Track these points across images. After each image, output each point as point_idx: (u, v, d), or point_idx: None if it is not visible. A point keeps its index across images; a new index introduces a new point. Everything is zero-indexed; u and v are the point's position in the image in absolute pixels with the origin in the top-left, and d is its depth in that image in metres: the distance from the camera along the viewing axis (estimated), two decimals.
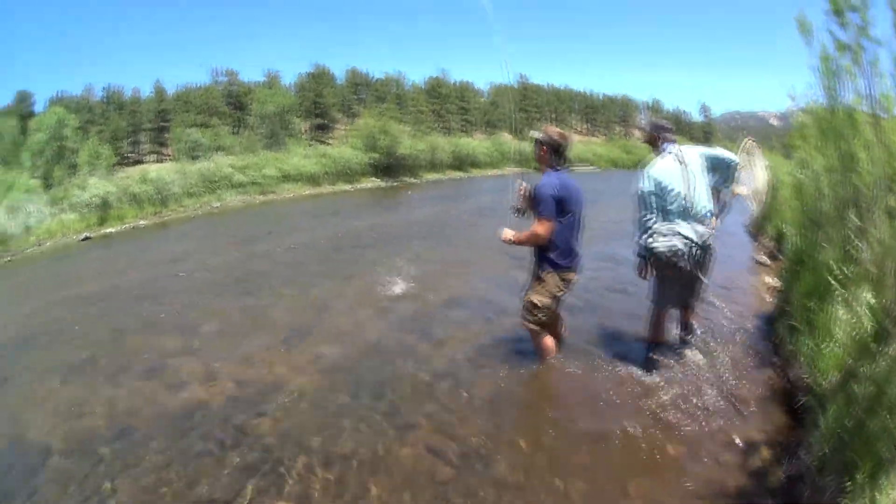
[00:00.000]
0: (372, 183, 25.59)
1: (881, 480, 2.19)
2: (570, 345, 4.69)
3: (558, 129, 4.12)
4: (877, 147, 3.51)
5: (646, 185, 4.03)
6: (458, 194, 21.79)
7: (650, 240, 4.02)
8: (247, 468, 3.34)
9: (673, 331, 4.70)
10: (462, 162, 33.58)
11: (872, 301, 3.14)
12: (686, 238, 3.92)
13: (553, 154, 4.01)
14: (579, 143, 52.08)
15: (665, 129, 4.30)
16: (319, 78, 59.90)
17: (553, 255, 4.00)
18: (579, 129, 79.08)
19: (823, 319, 3.56)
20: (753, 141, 4.54)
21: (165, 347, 5.40)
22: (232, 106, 56.99)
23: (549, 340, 4.34)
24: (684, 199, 3.95)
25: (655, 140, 4.28)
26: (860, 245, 3.71)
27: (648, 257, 4.12)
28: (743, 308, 5.69)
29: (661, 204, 4.00)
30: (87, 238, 13.73)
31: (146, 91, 54.14)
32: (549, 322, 4.30)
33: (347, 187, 24.12)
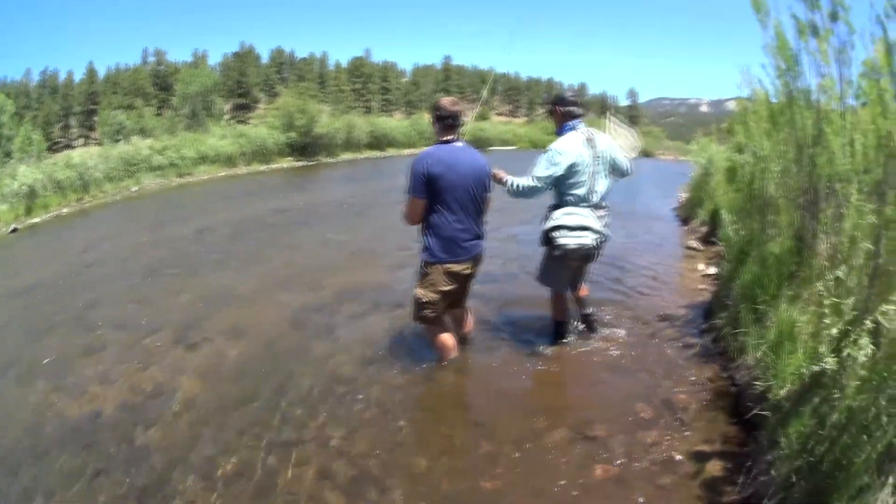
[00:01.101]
0: (287, 163, 25.09)
1: None
2: (475, 335, 4.43)
3: (451, 98, 3.74)
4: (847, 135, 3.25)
5: (548, 164, 3.79)
6: (372, 174, 21.36)
7: (556, 234, 3.77)
8: (134, 490, 2.95)
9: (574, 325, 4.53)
10: (379, 141, 33.45)
11: (838, 299, 2.85)
12: (595, 232, 3.77)
13: (439, 125, 3.63)
14: (500, 125, 52.81)
15: (569, 103, 3.97)
16: (244, 57, 61.07)
17: (432, 244, 3.62)
18: (501, 110, 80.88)
19: (778, 318, 3.25)
20: (614, 116, 4.28)
21: (69, 349, 4.93)
22: (158, 87, 56.53)
23: (445, 338, 3.95)
24: (588, 185, 3.84)
25: (558, 115, 3.98)
26: (820, 236, 3.46)
27: (553, 249, 3.83)
28: (676, 298, 5.46)
29: (562, 187, 3.85)
30: (14, 230, 12.85)
31: (79, 74, 53.00)
32: (440, 319, 3.92)
33: (263, 167, 23.64)
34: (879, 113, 2.64)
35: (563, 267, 4.01)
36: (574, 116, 3.92)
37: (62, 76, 52.31)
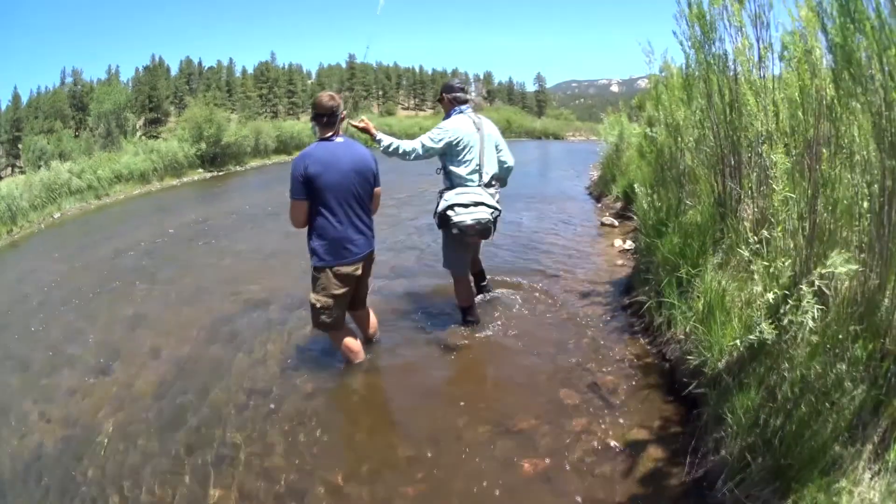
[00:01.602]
0: (198, 175, 23.91)
1: (836, 483, 1.72)
2: (386, 333, 4.28)
3: (328, 93, 3.53)
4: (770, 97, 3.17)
5: (436, 135, 3.92)
6: (279, 178, 20.49)
7: (451, 213, 3.82)
8: None
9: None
10: (286, 145, 32.75)
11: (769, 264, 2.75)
12: (490, 207, 3.87)
13: (317, 122, 3.49)
14: (406, 119, 53.09)
15: (455, 90, 4.15)
16: (154, 71, 59.35)
17: (318, 248, 3.45)
18: (407, 104, 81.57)
19: (706, 287, 3.12)
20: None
21: (7, 385, 4.62)
22: (75, 107, 53.81)
23: (349, 342, 3.78)
24: (477, 163, 3.95)
25: (445, 102, 4.17)
26: (745, 201, 3.38)
27: (450, 228, 3.86)
28: (593, 276, 5.35)
29: (452, 164, 3.96)
30: None
31: (5, 100, 49.42)
32: (339, 323, 3.69)
33: (175, 182, 22.47)
34: (807, 70, 2.53)
35: (462, 246, 4.09)
36: (461, 102, 4.09)
37: (3, 105, 48.99)
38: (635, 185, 7.04)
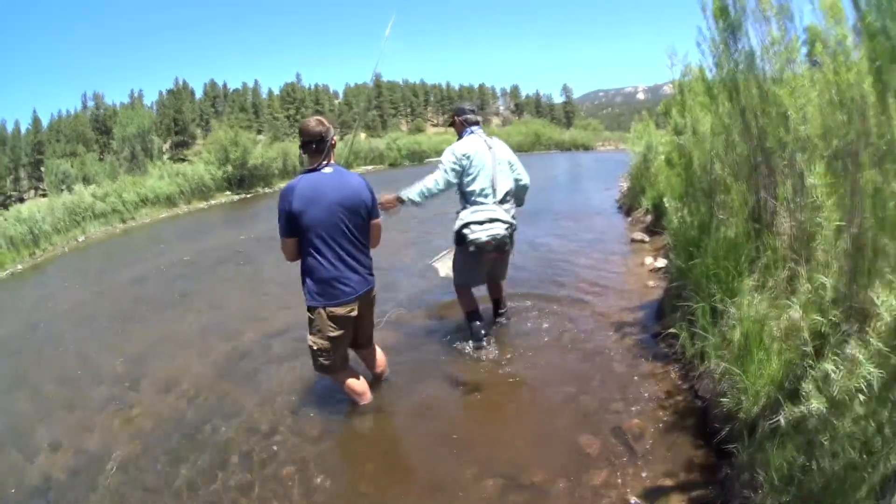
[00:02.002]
0: (226, 197, 24.12)
1: None
2: (395, 367, 4.02)
3: (316, 118, 3.31)
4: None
5: (449, 159, 3.96)
6: None
7: (466, 231, 3.88)
8: None
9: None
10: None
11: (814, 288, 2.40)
12: (504, 222, 3.89)
13: (304, 151, 3.27)
14: (435, 136, 53.36)
15: (466, 112, 4.24)
16: (179, 94, 60.50)
17: (309, 287, 3.24)
18: (436, 121, 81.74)
19: (742, 315, 2.77)
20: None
21: (20, 412, 4.70)
22: (98, 131, 55.45)
23: (353, 384, 3.56)
24: (490, 182, 3.99)
25: (457, 124, 4.25)
26: (782, 214, 3.04)
27: (467, 246, 3.90)
28: (622, 300, 5.01)
29: (466, 185, 4.01)
30: None
31: (25, 123, 51.64)
32: (340, 365, 3.48)
33: (203, 205, 22.72)
34: (842, 63, 2.22)
35: (478, 262, 4.11)
36: (471, 123, 4.17)
37: (10, 127, 50.61)
38: (665, 198, 6.70)
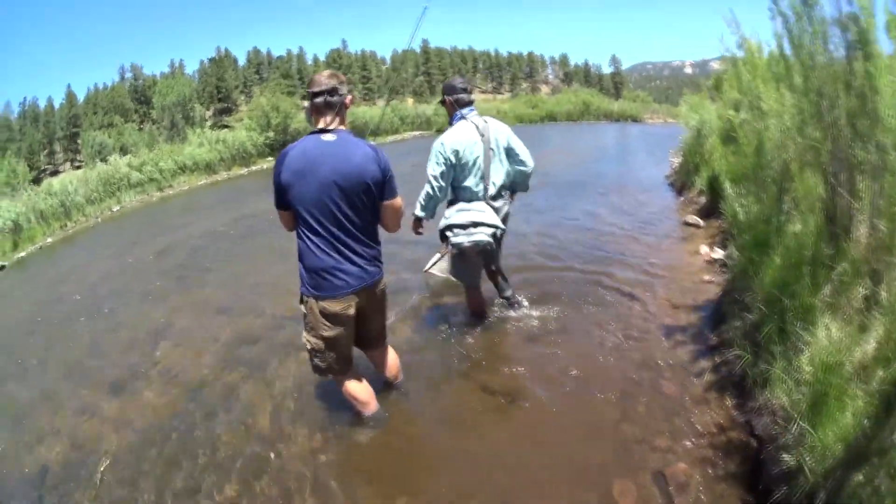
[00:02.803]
0: (268, 163, 23.95)
1: None
2: (411, 373, 3.63)
3: (330, 71, 2.87)
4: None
5: (437, 158, 3.66)
6: None
7: (449, 233, 3.67)
8: None
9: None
10: (360, 131, 32.80)
11: None
12: (490, 226, 3.63)
13: (310, 106, 2.78)
14: (483, 102, 52.66)
15: (458, 91, 3.80)
16: (221, 62, 60.96)
17: (302, 273, 2.82)
18: (484, 88, 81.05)
19: (815, 350, 2.32)
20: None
21: (22, 398, 4.66)
22: (138, 101, 56.69)
23: (354, 390, 3.13)
24: (482, 175, 3.73)
25: (448, 105, 3.84)
26: (859, 218, 2.57)
27: (451, 247, 3.72)
28: (675, 296, 4.53)
29: (456, 178, 3.74)
30: (1, 267, 12.30)
31: (59, 99, 53.07)
32: (339, 368, 3.04)
33: (243, 171, 23.01)
34: None
35: (467, 263, 3.91)
36: (463, 104, 3.78)
37: (42, 104, 52.46)
38: (722, 180, 6.17)
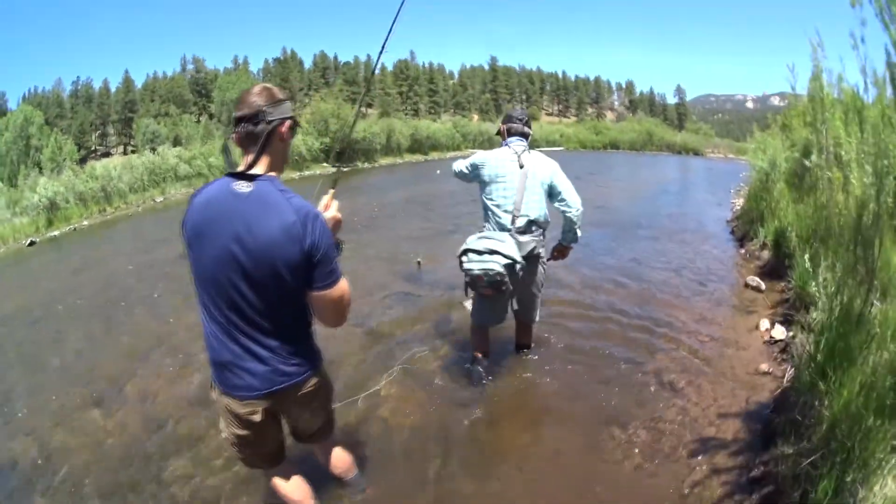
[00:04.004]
0: (322, 169, 23.93)
1: None
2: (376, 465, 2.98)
3: (262, 85, 1.98)
4: None
5: (466, 163, 3.71)
6: (407, 180, 20.09)
7: (464, 258, 3.41)
8: None
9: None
10: (421, 144, 32.75)
11: None
12: (507, 257, 3.28)
13: (234, 133, 1.97)
14: (548, 125, 51.62)
15: (513, 120, 3.68)
16: (286, 63, 61.99)
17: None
18: (550, 110, 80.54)
19: None
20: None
21: (14, 389, 4.56)
22: (198, 94, 58.03)
23: (282, 486, 2.36)
24: (512, 204, 3.48)
25: (502, 131, 3.72)
26: None
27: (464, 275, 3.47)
28: (722, 389, 3.59)
29: (487, 200, 3.58)
30: (32, 243, 12.83)
31: (116, 82, 55.45)
32: (263, 462, 2.33)
33: (295, 175, 22.58)
34: None
35: (490, 299, 3.58)
36: (512, 134, 3.64)
37: (97, 85, 54.38)
38: (790, 236, 5.21)
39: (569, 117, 76.63)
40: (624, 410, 3.40)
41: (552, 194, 3.56)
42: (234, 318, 1.91)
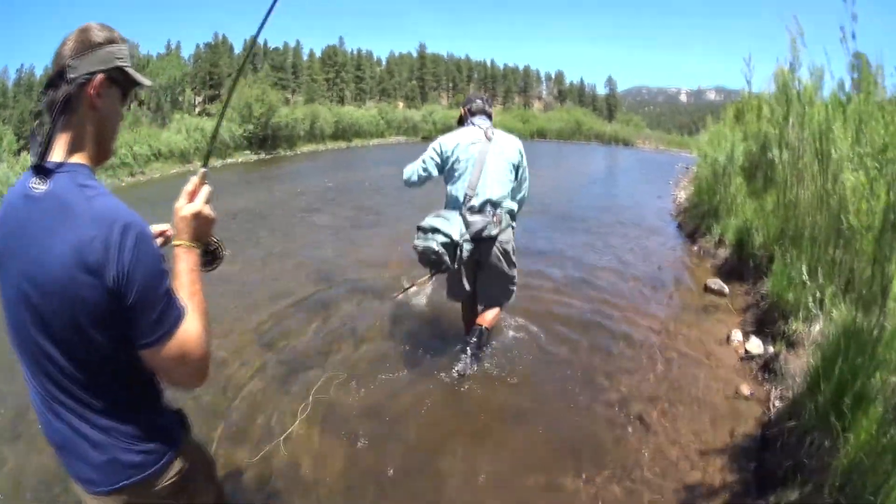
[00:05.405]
0: (244, 157, 23.08)
1: None
2: None
3: (90, 25, 1.27)
4: None
5: (432, 148, 3.55)
6: (327, 167, 19.49)
7: (415, 235, 3.38)
8: None
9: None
10: (345, 132, 31.97)
11: None
12: (446, 235, 3.23)
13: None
14: None
15: (473, 101, 3.67)
16: (216, 48, 60.54)
17: None
18: None
19: None
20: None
21: None
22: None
23: None
24: (470, 181, 3.38)
25: (462, 115, 3.72)
26: None
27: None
28: (700, 420, 3.15)
29: (447, 181, 3.53)
30: None
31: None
32: None
33: (217, 163, 21.50)
34: None
35: (450, 276, 3.68)
36: (475, 113, 3.60)
37: (39, 72, 51.87)
38: (753, 234, 4.94)
39: (495, 106, 77.42)
40: (588, 458, 2.84)
41: (516, 175, 3.53)
42: (49, 387, 1.24)
